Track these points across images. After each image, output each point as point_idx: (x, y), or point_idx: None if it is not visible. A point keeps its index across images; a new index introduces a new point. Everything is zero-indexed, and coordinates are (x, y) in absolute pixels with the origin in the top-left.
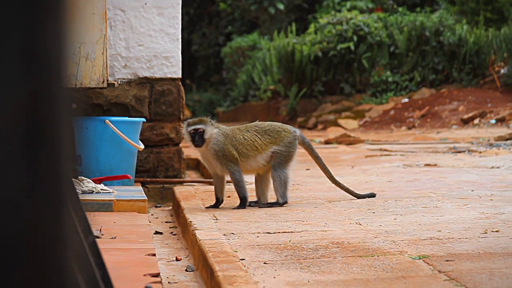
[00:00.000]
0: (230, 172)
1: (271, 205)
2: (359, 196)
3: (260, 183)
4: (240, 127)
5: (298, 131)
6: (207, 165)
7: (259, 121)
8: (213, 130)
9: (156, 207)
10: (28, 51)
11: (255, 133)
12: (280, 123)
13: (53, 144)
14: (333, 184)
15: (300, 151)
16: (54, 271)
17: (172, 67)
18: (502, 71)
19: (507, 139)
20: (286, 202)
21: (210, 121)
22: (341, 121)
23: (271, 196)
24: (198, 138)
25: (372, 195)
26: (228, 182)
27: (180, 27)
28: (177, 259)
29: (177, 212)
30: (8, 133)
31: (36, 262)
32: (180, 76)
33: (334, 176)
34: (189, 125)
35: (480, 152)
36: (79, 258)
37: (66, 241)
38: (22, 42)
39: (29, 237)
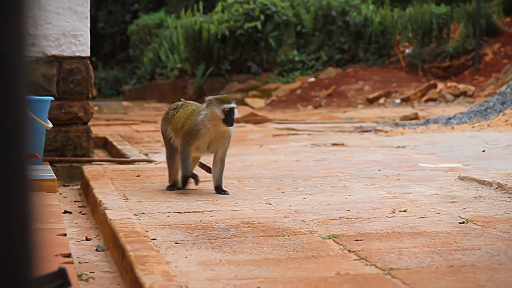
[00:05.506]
0: (222, 153)
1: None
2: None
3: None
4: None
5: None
6: (202, 146)
7: (182, 99)
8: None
9: (64, 186)
10: None
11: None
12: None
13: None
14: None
15: None
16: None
17: (80, 45)
18: (407, 51)
19: (412, 119)
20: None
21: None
22: (248, 100)
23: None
24: (233, 117)
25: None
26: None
27: (89, 5)
28: (87, 239)
29: (86, 191)
30: None
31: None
32: (88, 54)
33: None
34: (222, 102)
35: (386, 132)
36: None
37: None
38: None
39: None
